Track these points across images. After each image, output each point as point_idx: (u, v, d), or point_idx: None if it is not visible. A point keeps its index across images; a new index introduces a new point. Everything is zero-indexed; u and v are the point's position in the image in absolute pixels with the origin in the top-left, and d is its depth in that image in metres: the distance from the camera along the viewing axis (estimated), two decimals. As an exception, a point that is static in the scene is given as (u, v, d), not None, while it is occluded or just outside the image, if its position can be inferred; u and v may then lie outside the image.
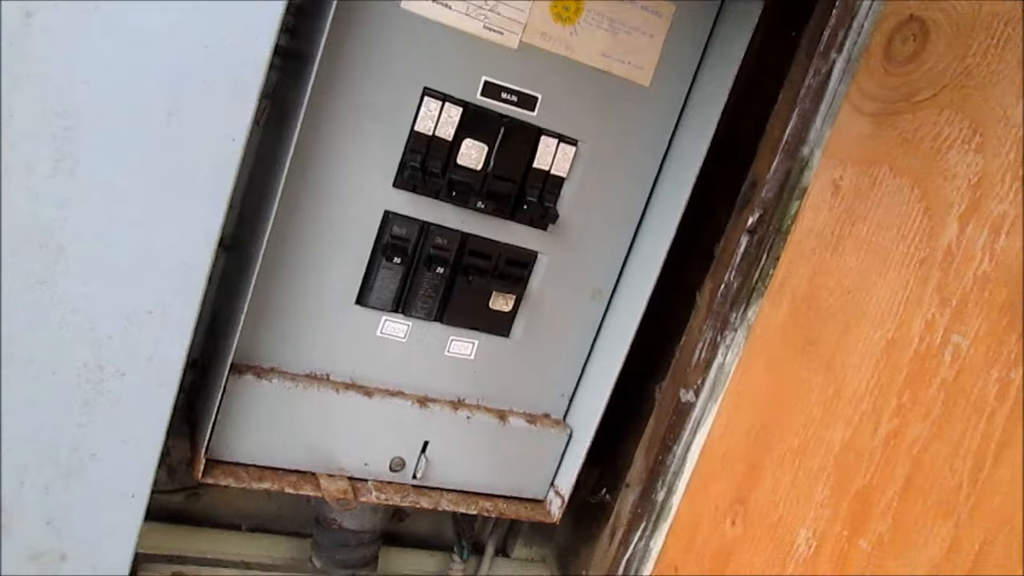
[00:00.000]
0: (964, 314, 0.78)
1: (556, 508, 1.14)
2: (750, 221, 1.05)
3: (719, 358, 1.07)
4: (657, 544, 1.10)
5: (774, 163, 1.04)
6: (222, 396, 0.96)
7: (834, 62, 1.01)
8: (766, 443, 0.96)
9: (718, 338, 1.07)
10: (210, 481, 0.98)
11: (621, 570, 1.13)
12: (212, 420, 0.97)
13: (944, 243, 0.82)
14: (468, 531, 1.27)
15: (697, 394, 1.09)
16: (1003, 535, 0.72)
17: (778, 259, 1.01)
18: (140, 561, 0.95)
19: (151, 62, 0.76)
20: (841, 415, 0.87)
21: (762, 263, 1.05)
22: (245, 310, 0.93)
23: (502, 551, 1.36)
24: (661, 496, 1.11)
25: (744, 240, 1.05)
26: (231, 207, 1.05)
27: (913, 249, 0.84)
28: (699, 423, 1.08)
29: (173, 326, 0.86)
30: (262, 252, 0.91)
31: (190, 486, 1.17)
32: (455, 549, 1.27)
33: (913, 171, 0.87)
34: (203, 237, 0.84)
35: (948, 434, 0.77)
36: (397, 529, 1.30)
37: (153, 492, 1.14)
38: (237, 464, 1.01)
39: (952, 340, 0.79)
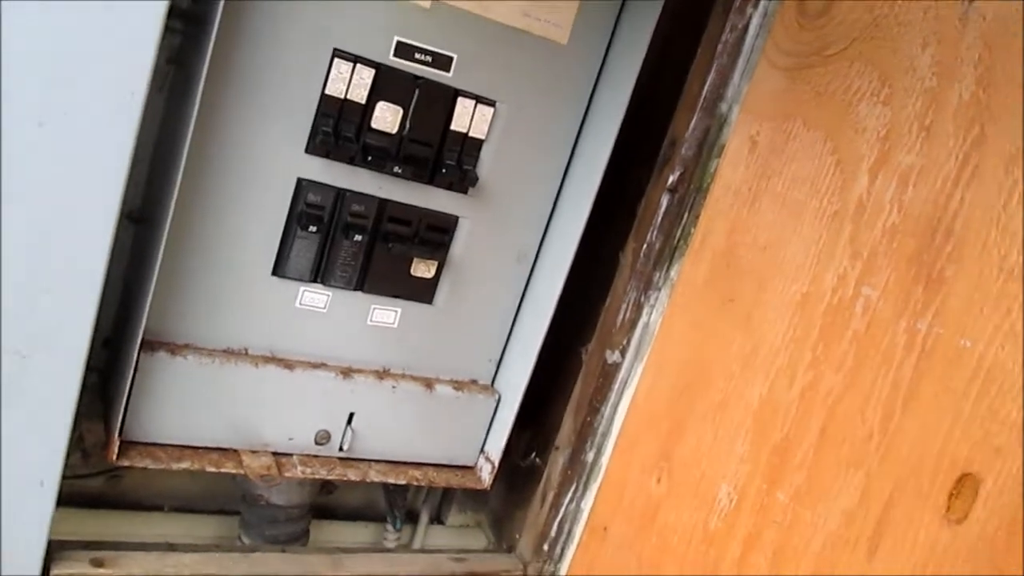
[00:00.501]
0: (874, 266, 0.79)
1: (487, 474, 1.14)
2: (671, 180, 1.05)
3: (644, 318, 1.07)
4: (587, 504, 1.10)
5: (693, 121, 1.03)
6: (134, 375, 0.93)
7: (751, 17, 1.01)
8: (689, 401, 0.96)
9: (642, 298, 1.07)
10: (126, 463, 0.95)
11: (553, 531, 1.14)
12: (125, 400, 0.94)
13: (855, 196, 0.82)
14: (401, 501, 1.26)
15: (623, 355, 1.09)
16: (911, 484, 0.73)
17: (698, 217, 1.01)
18: (55, 549, 0.92)
19: (37, 24, 0.71)
20: (759, 370, 0.88)
21: (684, 222, 1.05)
22: (153, 285, 0.89)
23: (437, 519, 1.35)
24: (590, 457, 1.11)
25: (665, 199, 1.05)
26: (137, 178, 1.02)
27: (826, 203, 0.85)
28: (625, 383, 1.08)
29: (75, 304, 0.82)
30: (168, 223, 0.88)
31: (108, 469, 1.14)
32: (388, 519, 1.26)
33: (826, 125, 0.87)
34: (102, 209, 0.80)
35: (859, 385, 0.78)
36: (327, 502, 1.29)
37: (69, 477, 1.10)
38: (154, 444, 0.98)
39: (863, 292, 0.80)
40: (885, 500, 0.75)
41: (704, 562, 0.91)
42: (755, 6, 1.00)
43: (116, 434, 0.94)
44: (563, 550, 1.13)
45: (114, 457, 0.95)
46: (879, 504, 0.75)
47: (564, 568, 1.12)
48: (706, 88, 1.02)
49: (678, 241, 1.05)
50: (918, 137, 0.78)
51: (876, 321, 0.78)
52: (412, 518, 1.33)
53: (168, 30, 0.98)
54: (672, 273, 1.05)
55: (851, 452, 0.78)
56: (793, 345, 0.85)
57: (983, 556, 0.68)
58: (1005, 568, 0.67)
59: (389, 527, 1.26)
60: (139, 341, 0.92)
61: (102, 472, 1.14)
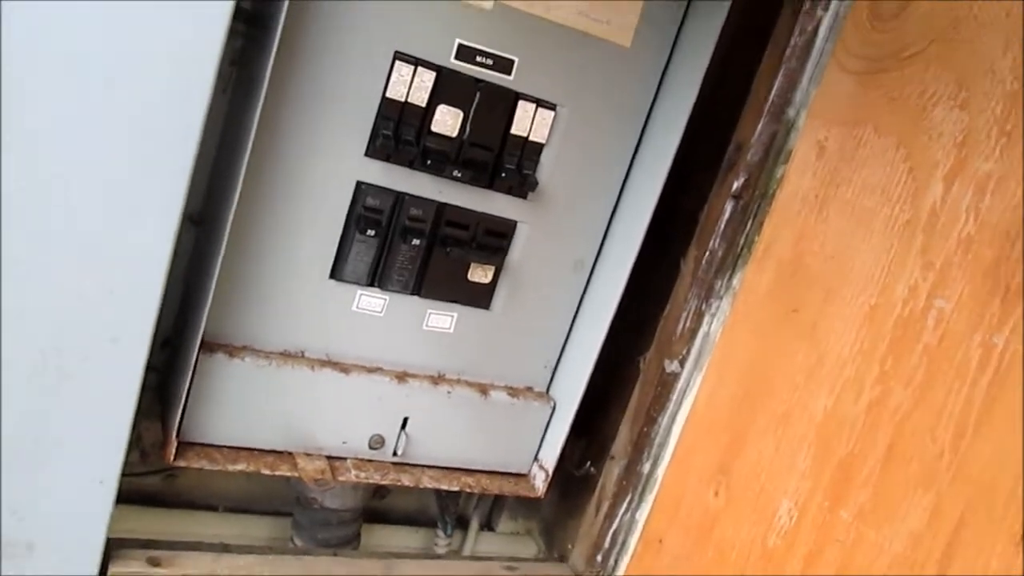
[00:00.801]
0: (947, 278, 0.76)
1: (540, 482, 1.13)
2: (735, 186, 1.02)
3: (704, 327, 1.05)
4: (643, 516, 1.08)
5: (759, 126, 1.01)
6: (193, 376, 0.94)
7: (820, 19, 0.98)
8: (750, 412, 0.94)
9: (703, 307, 1.05)
10: (183, 464, 0.96)
11: (607, 542, 1.12)
12: (183, 401, 0.95)
13: (928, 204, 0.79)
14: (452, 507, 1.26)
15: (682, 364, 1.06)
16: (983, 505, 0.70)
17: (762, 224, 0.99)
18: (113, 547, 0.93)
19: (97, 30, 0.72)
20: (824, 383, 0.85)
21: (747, 229, 1.02)
22: (213, 287, 0.90)
23: (487, 525, 1.34)
24: (647, 468, 1.09)
25: (729, 206, 1.03)
26: (198, 180, 1.03)
27: (897, 211, 0.82)
28: (684, 393, 1.06)
29: (136, 306, 0.83)
30: (229, 226, 0.88)
31: (164, 468, 1.15)
32: (439, 525, 1.26)
33: (898, 130, 0.84)
34: (164, 212, 0.81)
35: (930, 402, 0.75)
36: (380, 506, 1.29)
37: (127, 475, 1.11)
38: (211, 445, 0.99)
39: (935, 304, 0.76)
40: (955, 522, 0.72)
41: (763, 580, 0.88)
42: (825, 8, 0.98)
43: (174, 435, 0.95)
44: (617, 561, 1.11)
45: (171, 458, 0.95)
46: (949, 526, 0.72)
47: (618, 580, 1.10)
48: (773, 93, 1.00)
49: (741, 249, 1.03)
50: (997, 143, 0.75)
51: (949, 335, 0.75)
52: (463, 524, 1.32)
53: (231, 32, 0.99)
54: (734, 281, 1.02)
55: (920, 471, 0.75)
56: (860, 358, 0.82)
57: (1063, 585, 0.65)
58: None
59: (440, 532, 1.26)
60: (199, 342, 0.93)
61: (159, 471, 1.16)
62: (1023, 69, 0.74)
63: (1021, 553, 0.68)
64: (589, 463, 1.17)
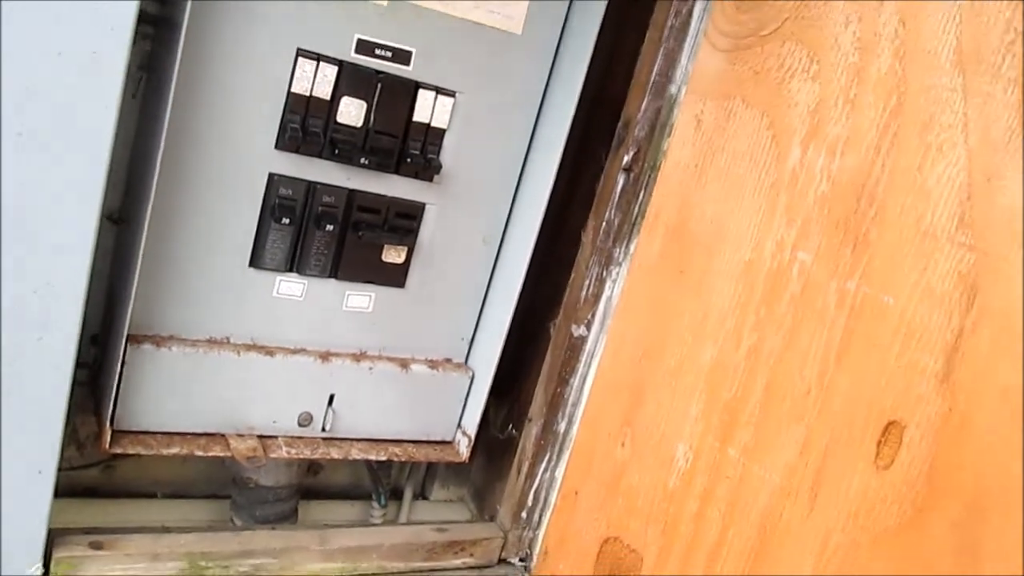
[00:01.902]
0: (808, 232, 0.85)
1: (464, 448, 1.20)
2: (626, 160, 1.10)
3: (606, 292, 1.12)
4: (561, 472, 1.16)
5: (644, 103, 1.08)
6: (122, 367, 0.98)
7: (694, 2, 1.06)
8: (648, 368, 1.02)
9: (604, 273, 1.12)
10: (118, 450, 1.00)
11: (530, 500, 1.19)
12: (115, 391, 0.99)
13: (790, 167, 0.87)
14: (385, 478, 1.32)
15: (588, 328, 1.14)
16: (844, 434, 0.79)
17: (652, 194, 1.06)
18: (56, 536, 0.97)
19: (9, 34, 0.76)
20: (709, 335, 0.94)
21: (640, 199, 1.10)
22: (135, 280, 0.95)
23: (421, 495, 1.41)
24: (562, 427, 1.16)
25: (621, 178, 1.10)
26: (117, 182, 1.06)
27: (764, 175, 0.90)
28: (592, 355, 1.14)
29: (62, 303, 0.87)
30: (147, 222, 0.93)
31: (102, 460, 1.19)
32: (373, 497, 1.32)
33: (762, 101, 0.92)
34: (83, 212, 0.85)
35: (797, 344, 0.84)
36: (315, 483, 1.34)
37: (66, 469, 1.16)
38: (145, 432, 1.03)
39: (799, 257, 0.85)
40: (823, 451, 0.81)
41: (665, 519, 0.97)
42: (698, -9, 1.05)
43: (108, 424, 0.99)
44: (541, 516, 1.19)
45: (107, 446, 1.00)
46: (818, 455, 0.81)
47: (542, 533, 1.18)
48: (655, 71, 1.07)
49: (636, 218, 1.10)
50: (844, 109, 0.83)
51: (810, 283, 0.84)
52: (397, 495, 1.38)
53: (139, 36, 1.03)
54: (631, 248, 1.10)
55: (792, 408, 0.84)
56: (739, 310, 0.91)
57: (907, 499, 0.74)
58: (926, 509, 0.73)
59: (375, 504, 1.32)
60: (125, 335, 0.97)
61: (97, 463, 1.20)
62: (861, 43, 0.82)
63: (875, 473, 0.77)
64: (511, 426, 1.25)
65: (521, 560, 1.22)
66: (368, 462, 1.32)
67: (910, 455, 0.74)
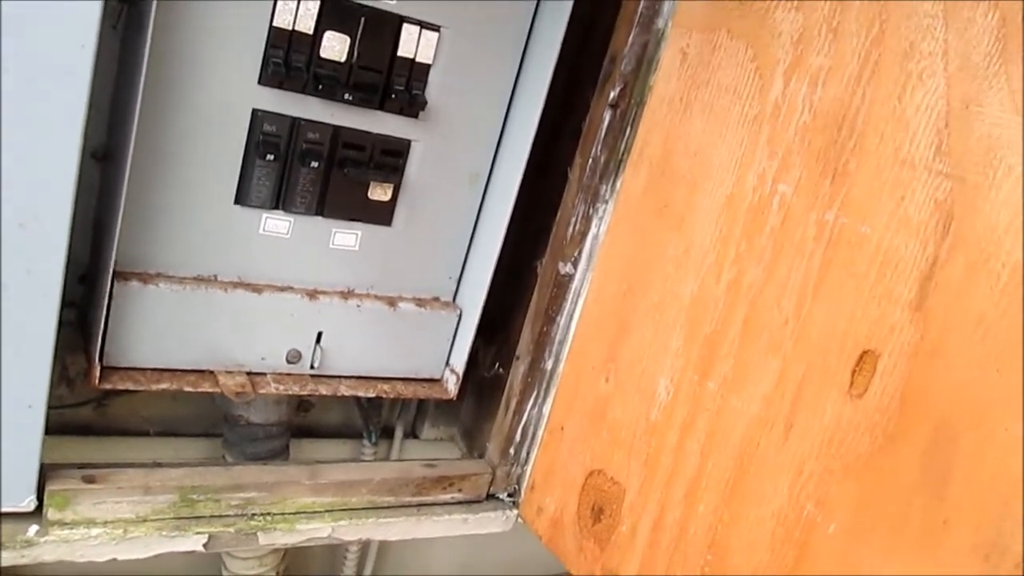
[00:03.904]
0: (788, 164, 0.84)
1: (452, 385, 1.21)
2: (612, 95, 1.09)
3: (592, 230, 1.12)
4: (547, 409, 1.17)
5: (631, 37, 1.07)
6: (109, 303, 0.99)
7: (681, -67, 1.04)
8: (632, 304, 1.02)
9: (590, 211, 1.12)
10: (107, 386, 1.02)
11: (518, 436, 1.21)
12: (102, 328, 1.00)
13: (772, 99, 0.87)
14: (375, 417, 1.33)
15: (575, 266, 1.14)
16: (819, 364, 0.80)
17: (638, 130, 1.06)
18: (48, 471, 0.99)
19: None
20: (691, 269, 0.94)
21: (626, 136, 1.09)
22: (120, 218, 0.95)
23: (411, 434, 1.43)
24: (549, 365, 1.17)
25: (607, 115, 1.09)
26: (99, 117, 1.06)
27: (747, 107, 0.90)
28: (578, 293, 1.14)
29: (47, 237, 0.88)
30: (130, 158, 0.93)
31: (93, 398, 1.20)
32: (364, 435, 1.34)
33: (746, 33, 0.91)
34: (65, 146, 0.85)
35: (776, 277, 0.84)
36: (305, 422, 1.36)
37: (57, 407, 1.17)
38: (134, 369, 1.04)
39: (779, 190, 0.85)
40: (799, 382, 0.81)
41: (647, 451, 0.98)
42: (685, -78, 1.03)
43: (97, 360, 1.00)
44: (528, 452, 1.20)
45: (96, 382, 1.01)
46: (793, 386, 0.82)
47: (529, 468, 1.20)
48: (642, 4, 1.06)
49: (622, 155, 1.10)
50: (826, 39, 0.82)
51: (790, 216, 0.84)
52: (388, 434, 1.40)
53: (119, -31, 1.02)
54: (618, 185, 1.10)
55: (769, 339, 0.84)
56: (720, 244, 0.91)
57: (879, 427, 0.75)
58: (897, 436, 0.73)
59: (365, 442, 1.34)
60: (111, 272, 0.98)
61: (89, 401, 1.21)
62: (845, -31, 0.81)
63: (849, 402, 0.78)
64: (498, 365, 1.26)
65: (509, 495, 1.24)
66: (358, 401, 1.33)
67: (883, 384, 0.75)
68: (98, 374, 1.01)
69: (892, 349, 0.74)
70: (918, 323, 0.73)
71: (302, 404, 1.34)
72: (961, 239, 0.70)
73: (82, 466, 1.03)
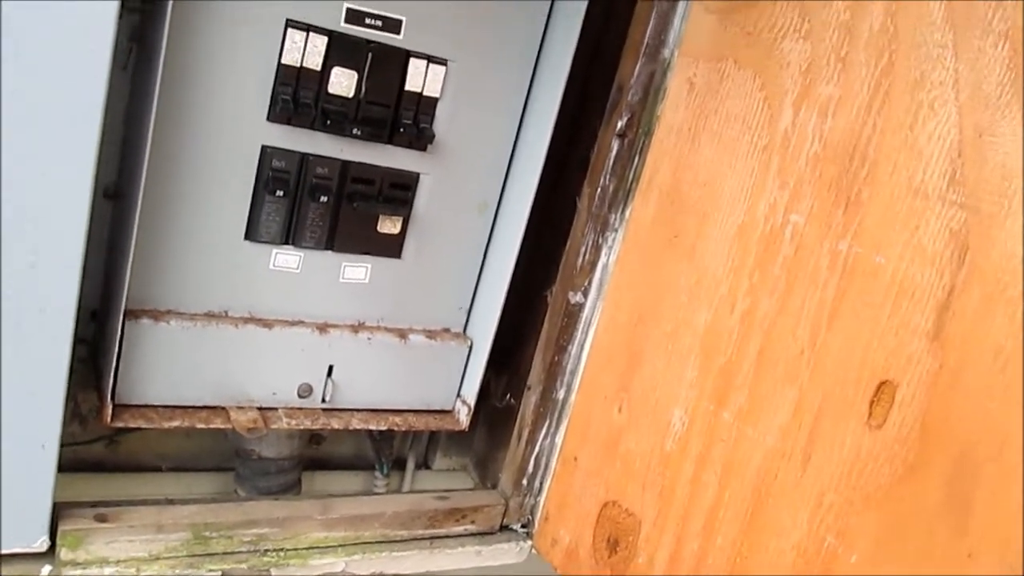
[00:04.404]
0: (800, 194, 0.84)
1: (464, 416, 1.20)
2: (619, 125, 1.09)
3: (602, 259, 1.12)
4: (560, 438, 1.16)
5: (637, 66, 1.07)
6: (120, 341, 0.99)
7: (687, -37, 1.04)
8: (644, 333, 1.02)
9: (600, 240, 1.12)
10: (120, 424, 1.01)
11: (531, 466, 1.20)
12: (114, 366, 1.00)
13: (782, 129, 0.87)
14: (387, 448, 1.33)
15: (585, 295, 1.14)
16: (837, 395, 0.79)
17: (647, 159, 1.06)
18: (61, 509, 0.98)
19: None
20: (703, 299, 0.94)
21: (634, 165, 1.09)
22: (131, 255, 0.95)
23: (424, 464, 1.42)
24: (560, 394, 1.17)
25: (616, 144, 1.10)
26: (111, 155, 1.06)
27: (757, 137, 0.90)
28: (589, 322, 1.14)
29: (59, 276, 0.88)
30: (140, 196, 0.93)
31: (106, 434, 1.20)
32: (376, 467, 1.33)
33: (754, 62, 0.91)
34: (76, 186, 0.85)
35: (790, 307, 0.84)
36: (317, 454, 1.35)
37: (70, 444, 1.17)
38: (146, 406, 1.04)
39: (791, 219, 0.85)
40: (816, 412, 0.81)
41: (662, 482, 0.97)
42: (690, -49, 1.04)
43: (109, 398, 1.00)
44: (541, 483, 1.20)
45: (108, 420, 1.01)
46: (810, 416, 0.81)
47: (543, 499, 1.19)
48: (648, 35, 1.06)
49: (631, 183, 1.10)
50: (835, 68, 0.82)
51: (803, 245, 0.83)
52: (400, 466, 1.39)
53: (127, 9, 1.02)
54: (627, 214, 1.10)
55: (785, 370, 0.84)
56: (733, 274, 0.91)
57: (899, 458, 0.74)
58: (917, 467, 0.73)
59: (377, 474, 1.33)
60: (123, 310, 0.98)
61: (101, 438, 1.21)
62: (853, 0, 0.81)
63: (868, 433, 0.77)
64: (509, 395, 1.25)
65: (523, 526, 1.23)
66: (370, 433, 1.33)
67: (902, 414, 0.74)
68: (110, 412, 1.01)
69: (910, 379, 0.74)
70: (936, 353, 0.72)
71: (314, 437, 1.33)
72: (977, 269, 0.70)
73: (94, 504, 1.03)
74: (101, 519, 1.00)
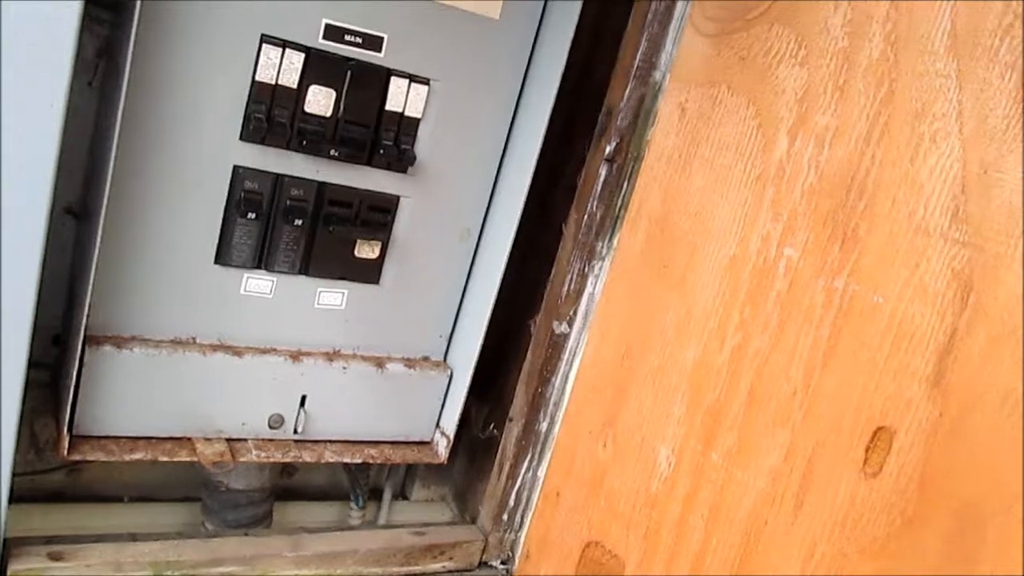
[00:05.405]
0: (795, 227, 0.80)
1: (443, 448, 1.16)
2: (608, 150, 1.05)
3: (588, 288, 1.08)
4: (542, 473, 1.12)
5: (627, 90, 1.04)
6: (79, 370, 0.94)
7: (678, -16, 1.01)
8: (630, 367, 0.98)
9: (586, 268, 1.08)
10: (77, 457, 0.96)
11: (512, 500, 1.15)
12: (72, 395, 0.95)
13: (776, 158, 0.83)
14: (363, 479, 1.28)
15: (570, 325, 1.10)
16: (831, 439, 0.75)
17: (635, 186, 1.02)
18: (12, 546, 0.93)
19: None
20: (692, 334, 0.90)
21: (623, 191, 1.05)
22: (92, 278, 0.90)
23: (401, 495, 1.37)
24: (543, 427, 1.13)
25: (604, 169, 1.06)
26: (75, 173, 1.02)
27: (750, 166, 0.86)
28: (574, 353, 1.10)
29: (13, 295, 0.83)
30: (103, 215, 0.88)
31: (66, 464, 1.15)
32: (351, 498, 1.28)
33: (748, 89, 0.88)
34: (33, 204, 0.80)
35: (783, 345, 0.80)
36: (290, 484, 1.30)
37: (27, 474, 1.12)
38: (106, 437, 0.99)
39: (785, 253, 0.81)
40: (808, 456, 0.77)
41: (647, 524, 0.93)
42: (682, -27, 1.01)
43: (66, 429, 0.95)
44: (522, 518, 1.15)
45: (65, 452, 0.96)
46: (803, 461, 0.77)
47: (523, 535, 1.14)
48: (638, 57, 1.03)
49: (619, 211, 1.06)
50: (832, 97, 0.79)
51: (797, 281, 0.80)
52: (377, 495, 1.34)
53: (96, 21, 0.98)
54: (614, 242, 1.06)
55: (777, 411, 0.80)
56: (723, 308, 0.87)
57: (897, 508, 0.70)
58: (916, 519, 0.69)
59: (353, 505, 1.28)
60: (82, 336, 0.93)
61: (60, 467, 1.16)
62: (852, 26, 0.78)
63: (863, 480, 0.73)
64: (492, 426, 1.21)
65: (503, 563, 1.18)
66: (345, 463, 1.28)
67: (899, 462, 0.70)
68: (67, 444, 0.96)
69: (909, 426, 0.70)
70: (936, 400, 0.68)
71: (286, 467, 1.28)
72: (981, 311, 0.66)
73: (48, 540, 0.97)
74: (55, 557, 0.95)
